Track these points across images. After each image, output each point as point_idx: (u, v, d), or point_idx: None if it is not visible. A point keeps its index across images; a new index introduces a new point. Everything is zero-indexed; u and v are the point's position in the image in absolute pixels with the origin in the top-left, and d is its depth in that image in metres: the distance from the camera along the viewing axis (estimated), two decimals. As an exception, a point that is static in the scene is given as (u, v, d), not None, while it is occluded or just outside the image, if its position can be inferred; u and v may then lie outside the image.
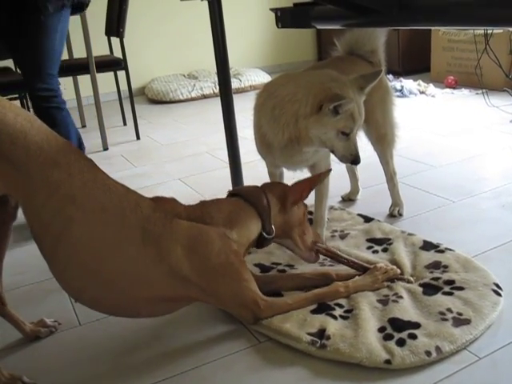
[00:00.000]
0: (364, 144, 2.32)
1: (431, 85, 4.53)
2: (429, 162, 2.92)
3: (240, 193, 1.74)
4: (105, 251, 1.48)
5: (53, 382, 1.53)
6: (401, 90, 4.44)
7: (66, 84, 4.59)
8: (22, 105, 3.85)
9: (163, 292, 1.53)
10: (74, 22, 3.88)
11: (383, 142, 2.25)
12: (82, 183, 1.47)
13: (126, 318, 1.68)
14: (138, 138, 4.13)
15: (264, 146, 1.97)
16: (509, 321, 1.57)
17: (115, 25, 3.99)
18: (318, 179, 1.82)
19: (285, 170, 2.17)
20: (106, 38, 4.37)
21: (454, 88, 4.51)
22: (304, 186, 1.76)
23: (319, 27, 2.12)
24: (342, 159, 1.81)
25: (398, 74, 5.11)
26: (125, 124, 4.58)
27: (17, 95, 3.60)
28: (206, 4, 2.47)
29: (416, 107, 4.19)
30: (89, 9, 3.72)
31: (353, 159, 1.80)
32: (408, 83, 4.55)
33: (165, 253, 1.49)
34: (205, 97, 5.37)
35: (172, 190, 2.87)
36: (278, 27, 2.32)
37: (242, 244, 1.63)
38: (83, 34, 3.63)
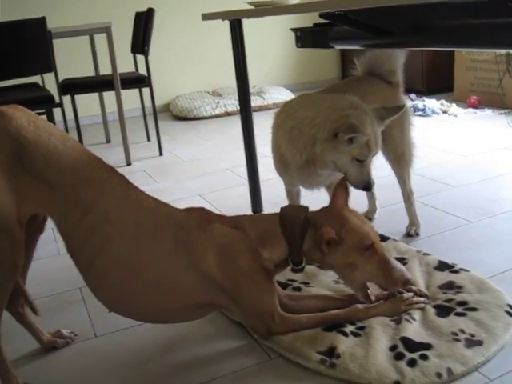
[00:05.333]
0: (382, 163, 2.34)
1: (454, 104, 4.52)
2: (448, 182, 2.90)
3: (282, 213, 1.64)
4: (140, 264, 1.53)
5: (66, 392, 1.56)
6: (423, 110, 4.44)
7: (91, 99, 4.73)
8: (49, 119, 3.94)
9: (195, 299, 1.57)
10: (101, 40, 4.00)
11: (400, 161, 2.26)
12: (115, 200, 1.52)
13: (141, 330, 1.72)
14: (160, 153, 4.19)
15: (282, 165, 2.00)
16: (522, 343, 1.56)
17: (140, 43, 4.09)
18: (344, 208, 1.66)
19: (302, 189, 2.19)
20: (132, 55, 4.46)
21: (476, 108, 4.49)
22: (334, 225, 1.56)
23: (337, 47, 2.15)
24: (354, 185, 1.83)
25: (421, 93, 5.10)
26: (148, 140, 4.66)
27: (44, 110, 3.67)
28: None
29: (438, 127, 4.18)
30: (116, 27, 3.84)
31: (365, 186, 1.83)
32: (431, 102, 4.54)
33: (197, 259, 1.53)
34: (228, 114, 5.43)
35: (190, 205, 2.89)
36: (297, 47, 2.37)
37: (272, 262, 1.61)
38: (109, 52, 3.72)
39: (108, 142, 4.76)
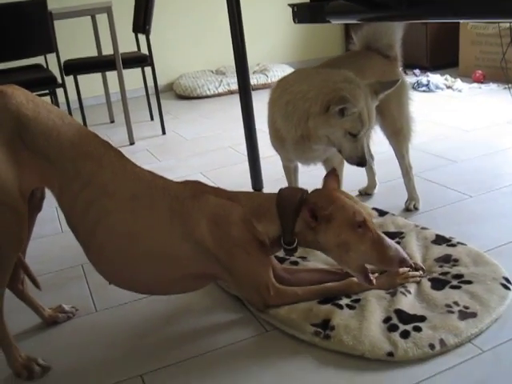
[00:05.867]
0: (381, 139, 2.34)
1: (458, 79, 4.47)
2: (449, 157, 2.90)
3: (279, 192, 1.66)
4: (136, 235, 1.57)
5: (67, 364, 1.59)
6: (427, 85, 4.40)
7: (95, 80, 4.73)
8: (52, 101, 3.96)
9: (191, 269, 1.60)
10: (103, 19, 3.99)
11: (398, 136, 2.25)
12: (112, 173, 1.56)
13: (140, 305, 1.76)
14: (163, 132, 4.19)
15: (278, 140, 2.01)
16: (516, 315, 1.57)
17: (142, 22, 4.07)
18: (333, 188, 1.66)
19: (299, 164, 2.19)
20: (134, 35, 4.45)
21: (481, 83, 4.44)
22: (323, 203, 1.56)
23: (334, 22, 2.13)
24: (348, 160, 1.83)
25: (426, 68, 5.05)
26: (152, 119, 4.66)
27: (47, 91, 3.69)
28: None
29: (441, 102, 4.15)
30: (117, 6, 3.82)
31: (359, 161, 1.82)
32: (435, 78, 4.50)
33: (191, 228, 1.56)
34: (231, 92, 5.40)
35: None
36: (294, 22, 2.36)
37: (266, 236, 1.62)
38: (110, 31, 3.71)
39: (112, 121, 4.77)
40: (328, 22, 2.16)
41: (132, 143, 4.00)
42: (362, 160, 1.81)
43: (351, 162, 1.83)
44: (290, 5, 2.37)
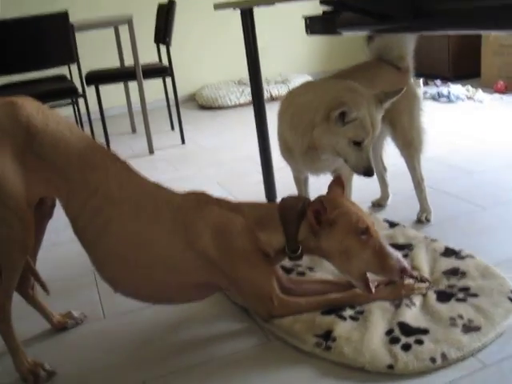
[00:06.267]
0: (394, 150, 2.33)
1: (480, 90, 4.42)
2: (465, 168, 2.87)
3: (281, 201, 1.68)
4: (140, 244, 1.60)
5: (72, 369, 1.62)
6: (448, 96, 4.36)
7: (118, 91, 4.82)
8: (74, 110, 4.04)
9: (194, 278, 1.62)
10: (125, 30, 4.07)
11: (410, 147, 2.24)
12: (118, 184, 1.61)
13: (147, 312, 1.79)
14: (183, 142, 4.24)
15: (286, 151, 2.02)
16: (522, 329, 1.54)
17: (162, 33, 4.13)
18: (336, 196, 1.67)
19: (310, 175, 2.20)
20: (156, 46, 4.52)
21: (503, 93, 4.39)
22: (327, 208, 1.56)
23: (345, 34, 2.14)
24: (354, 169, 1.83)
25: (448, 79, 5.01)
26: (172, 129, 4.72)
27: (69, 101, 3.78)
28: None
29: (461, 113, 4.11)
30: (139, 18, 3.89)
31: (365, 171, 1.80)
32: (455, 88, 4.46)
33: (194, 238, 1.59)
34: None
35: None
36: (307, 34, 2.38)
37: (270, 246, 1.64)
38: (130, 43, 3.78)
39: (133, 131, 4.85)
40: (339, 34, 2.18)
41: (151, 152, 4.06)
42: (368, 170, 1.80)
43: (357, 172, 1.83)
44: (304, 17, 2.40)
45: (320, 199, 1.58)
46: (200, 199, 1.66)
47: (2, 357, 1.68)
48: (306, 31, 2.37)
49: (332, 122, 1.73)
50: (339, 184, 1.70)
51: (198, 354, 1.62)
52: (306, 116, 1.79)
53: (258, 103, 2.63)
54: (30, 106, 1.57)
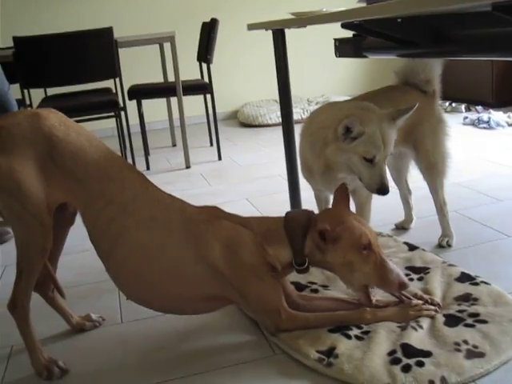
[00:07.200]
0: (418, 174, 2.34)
1: (522, 117, 4.35)
2: (495, 196, 2.83)
3: (286, 215, 1.73)
4: (153, 254, 1.66)
5: (84, 369, 1.70)
6: (488, 122, 4.31)
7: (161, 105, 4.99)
8: (116, 123, 4.19)
9: (203, 290, 1.67)
10: (168, 49, 4.22)
11: (432, 171, 2.24)
12: (133, 195, 1.68)
13: (162, 319, 1.87)
14: (219, 158, 4.33)
15: (306, 170, 2.07)
16: (528, 359, 1.52)
17: (204, 51, 4.25)
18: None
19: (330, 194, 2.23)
20: (198, 63, 4.65)
21: (546, 121, 4.30)
22: (331, 223, 1.62)
23: (370, 57, 2.18)
24: (368, 187, 1.83)
25: (490, 105, 4.94)
26: (211, 145, 4.82)
27: (113, 113, 3.92)
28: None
29: (499, 139, 4.04)
30: (183, 36, 4.02)
31: (378, 188, 1.79)
32: (496, 115, 4.40)
33: (205, 251, 1.64)
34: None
35: (236, 207, 3.00)
36: (336, 56, 2.42)
37: (277, 260, 1.68)
38: (172, 60, 3.92)
39: (174, 145, 4.98)
40: (365, 57, 2.22)
41: (188, 167, 4.16)
42: (381, 187, 1.78)
43: (371, 190, 1.83)
44: (334, 39, 2.45)
45: (324, 216, 1.62)
46: (211, 213, 1.71)
47: (17, 353, 1.79)
48: (335, 53, 2.42)
49: (340, 137, 1.76)
50: (344, 196, 1.74)
51: (203, 362, 1.67)
52: (321, 135, 1.83)
53: (286, 124, 2.67)
54: (53, 118, 1.67)
